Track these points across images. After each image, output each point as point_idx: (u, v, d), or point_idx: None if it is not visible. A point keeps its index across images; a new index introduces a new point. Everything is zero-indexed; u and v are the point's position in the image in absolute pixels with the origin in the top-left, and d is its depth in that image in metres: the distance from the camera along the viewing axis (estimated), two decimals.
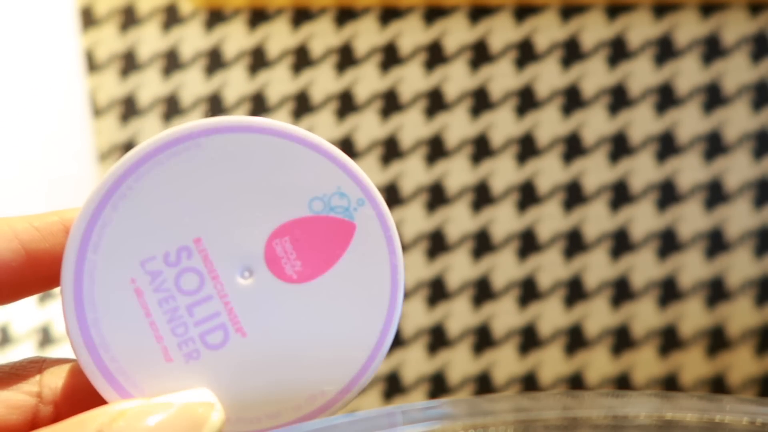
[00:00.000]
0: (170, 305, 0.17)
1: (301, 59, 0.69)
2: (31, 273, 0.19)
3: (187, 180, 0.18)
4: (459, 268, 0.68)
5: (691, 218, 0.68)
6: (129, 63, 0.69)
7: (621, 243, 0.68)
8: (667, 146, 0.68)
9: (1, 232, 0.18)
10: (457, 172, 0.68)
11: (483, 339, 0.68)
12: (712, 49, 0.68)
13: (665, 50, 0.68)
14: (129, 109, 0.69)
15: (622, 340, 0.68)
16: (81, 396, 0.19)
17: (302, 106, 0.69)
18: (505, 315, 0.68)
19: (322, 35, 0.69)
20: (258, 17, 0.69)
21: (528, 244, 0.68)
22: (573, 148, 0.68)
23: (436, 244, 0.68)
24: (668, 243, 0.68)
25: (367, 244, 0.18)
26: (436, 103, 0.68)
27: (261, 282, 0.18)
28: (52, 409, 0.19)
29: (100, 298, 0.17)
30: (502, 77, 0.68)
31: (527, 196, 0.68)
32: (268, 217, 0.18)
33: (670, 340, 0.68)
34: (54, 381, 0.20)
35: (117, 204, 0.17)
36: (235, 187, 0.18)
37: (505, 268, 0.68)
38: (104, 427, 0.16)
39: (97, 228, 0.17)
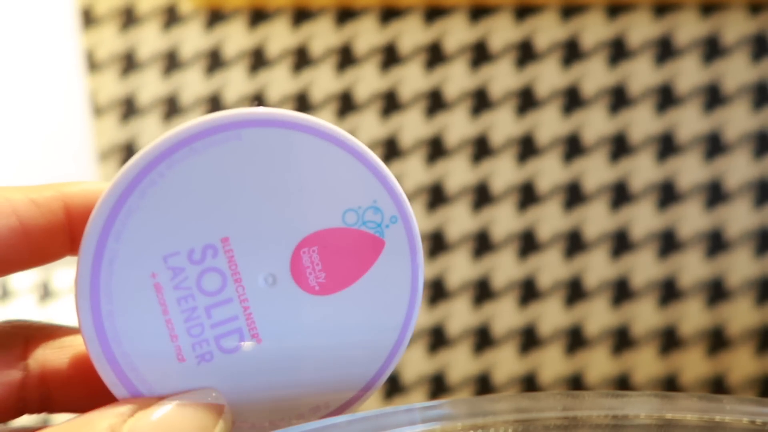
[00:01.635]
0: (189, 304, 0.17)
1: (301, 59, 0.69)
2: (26, 248, 0.18)
3: (221, 173, 0.16)
4: (459, 268, 0.68)
5: (691, 218, 0.68)
6: (129, 63, 0.69)
7: (621, 243, 0.68)
8: (667, 146, 0.68)
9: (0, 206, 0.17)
10: (457, 172, 0.68)
11: (483, 339, 0.68)
12: (712, 49, 0.68)
13: (665, 50, 0.68)
14: (129, 109, 0.69)
15: (622, 340, 0.68)
16: (80, 385, 0.19)
17: (302, 106, 0.69)
18: (505, 315, 0.68)
19: (322, 35, 0.69)
20: (258, 17, 0.69)
21: (528, 244, 0.68)
22: (573, 148, 0.68)
23: (436, 244, 0.68)
24: (668, 243, 0.68)
25: (392, 264, 0.18)
26: (436, 103, 0.68)
27: (283, 290, 0.17)
28: (38, 383, 0.19)
29: (118, 289, 0.16)
30: (502, 77, 0.68)
31: (527, 196, 0.68)
32: (300, 224, 0.17)
33: (670, 340, 0.68)
34: (42, 354, 0.19)
35: (145, 191, 0.16)
36: (271, 187, 0.17)
37: (505, 268, 0.68)
38: (115, 427, 0.15)
39: (122, 215, 0.16)
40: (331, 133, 0.17)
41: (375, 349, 0.18)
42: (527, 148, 0.68)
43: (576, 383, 0.68)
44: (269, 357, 0.17)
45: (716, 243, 0.68)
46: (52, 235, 0.18)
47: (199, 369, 0.17)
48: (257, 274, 0.17)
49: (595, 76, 0.68)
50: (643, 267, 0.68)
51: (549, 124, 0.68)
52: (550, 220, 0.68)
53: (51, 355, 0.19)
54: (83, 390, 0.19)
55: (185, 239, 0.16)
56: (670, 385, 0.68)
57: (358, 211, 0.17)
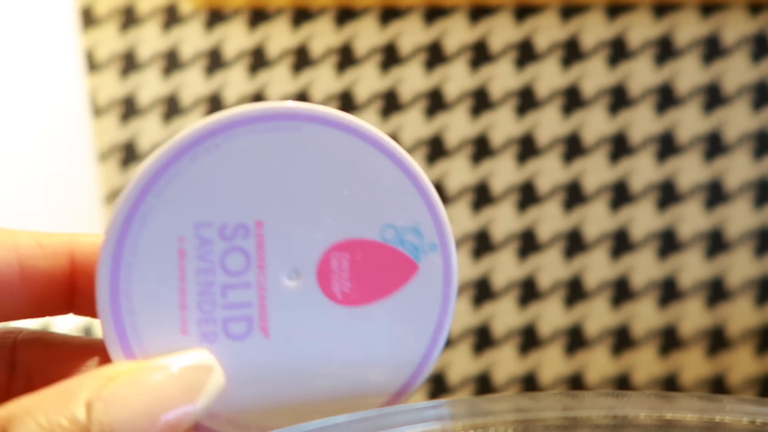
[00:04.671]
0: (207, 278, 0.16)
1: (301, 59, 0.69)
2: (23, 290, 0.17)
3: (273, 158, 0.16)
4: (459, 268, 0.68)
5: (691, 218, 0.68)
6: (129, 63, 0.69)
7: (621, 243, 0.68)
8: (667, 146, 0.68)
9: (2, 241, 0.17)
10: (457, 172, 0.68)
11: (483, 339, 0.68)
12: (712, 49, 0.68)
13: (665, 50, 0.68)
14: (129, 109, 0.69)
15: (622, 340, 0.68)
16: (57, 367, 0.18)
17: None
18: (505, 315, 0.68)
19: (322, 35, 0.69)
20: (258, 17, 0.69)
21: (528, 244, 0.68)
22: (573, 148, 0.68)
23: None
24: (668, 243, 0.68)
25: (422, 291, 0.17)
26: (436, 103, 0.68)
27: (304, 289, 0.17)
28: (24, 386, 0.18)
29: (144, 244, 0.16)
30: (502, 77, 0.68)
31: (527, 196, 0.68)
32: (337, 227, 0.17)
33: (670, 340, 0.68)
34: (30, 356, 0.18)
35: (197, 157, 0.16)
36: (317, 184, 0.16)
37: (505, 268, 0.68)
38: (94, 395, 0.14)
39: (168, 174, 0.16)
40: (389, 147, 0.17)
41: (386, 380, 0.17)
42: (527, 148, 0.68)
43: (576, 383, 0.68)
44: (273, 356, 0.17)
45: (716, 243, 0.68)
46: (52, 282, 0.17)
47: (200, 347, 0.17)
48: (282, 265, 0.17)
49: (595, 76, 0.68)
50: (643, 267, 0.68)
51: (549, 124, 0.68)
52: (550, 220, 0.68)
53: (39, 358, 0.18)
54: None
55: (220, 213, 0.16)
56: (670, 385, 0.68)
57: (399, 229, 0.17)
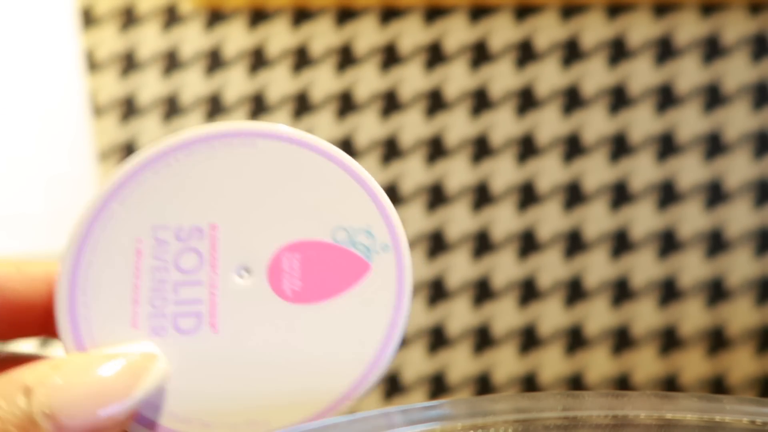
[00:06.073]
0: (160, 276, 0.17)
1: (301, 59, 0.69)
2: (1, 312, 0.18)
3: (229, 170, 0.18)
4: (459, 268, 0.68)
5: (691, 218, 0.68)
6: (129, 63, 0.69)
7: (621, 243, 0.68)
8: (667, 146, 0.68)
9: None
10: (457, 172, 0.68)
11: (483, 339, 0.68)
12: (712, 49, 0.68)
13: (665, 50, 0.68)
14: (129, 109, 0.69)
15: (622, 340, 0.68)
16: None
17: (302, 106, 0.69)
18: (505, 315, 0.68)
19: (322, 35, 0.69)
20: (258, 17, 0.69)
21: (528, 244, 0.68)
22: (573, 148, 0.68)
23: (436, 244, 0.68)
24: (668, 243, 0.68)
25: (374, 291, 0.18)
26: (436, 103, 0.68)
27: (254, 287, 0.17)
28: None
29: (103, 244, 0.17)
30: (502, 77, 0.68)
31: (527, 196, 0.68)
32: (288, 229, 0.18)
33: (670, 340, 0.68)
34: None
35: (159, 170, 0.17)
36: (271, 192, 0.18)
37: (505, 268, 0.68)
38: (36, 382, 0.15)
39: (132, 184, 0.17)
40: (338, 157, 0.18)
41: (335, 378, 0.17)
42: (527, 148, 0.68)
43: (576, 383, 0.68)
44: (220, 350, 0.17)
45: (716, 243, 0.68)
46: (29, 305, 0.18)
47: (149, 340, 0.17)
48: (234, 265, 0.18)
49: (595, 76, 0.68)
50: (643, 267, 0.68)
51: (549, 124, 0.68)
52: (550, 220, 0.68)
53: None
54: None
55: (177, 217, 0.18)
56: (670, 385, 0.68)
57: (350, 230, 0.18)
